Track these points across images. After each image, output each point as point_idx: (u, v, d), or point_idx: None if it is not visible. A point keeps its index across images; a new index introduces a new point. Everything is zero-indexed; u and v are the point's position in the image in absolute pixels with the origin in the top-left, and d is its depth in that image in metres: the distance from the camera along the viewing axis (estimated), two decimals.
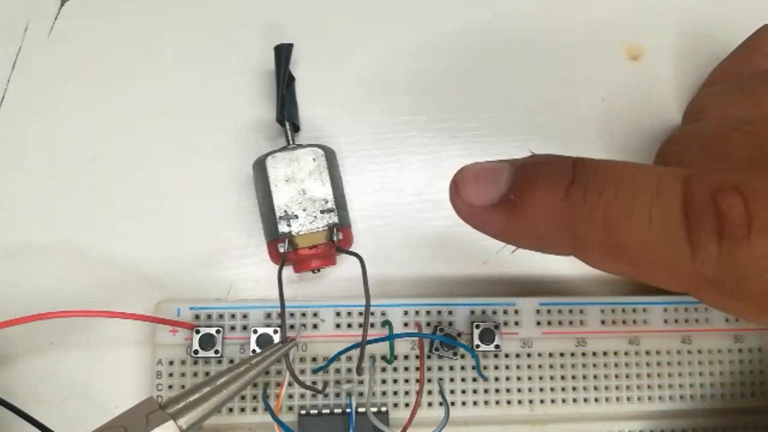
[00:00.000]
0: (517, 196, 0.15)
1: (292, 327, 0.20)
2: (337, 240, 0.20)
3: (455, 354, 0.20)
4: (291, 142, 0.21)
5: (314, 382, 0.20)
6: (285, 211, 0.20)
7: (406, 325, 0.21)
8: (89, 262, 0.22)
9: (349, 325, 0.20)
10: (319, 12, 0.24)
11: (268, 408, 0.19)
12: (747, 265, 0.12)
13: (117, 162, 0.22)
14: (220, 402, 0.16)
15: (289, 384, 0.20)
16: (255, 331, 0.20)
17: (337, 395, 0.20)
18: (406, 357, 0.20)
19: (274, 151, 0.21)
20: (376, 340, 0.20)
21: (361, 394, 0.20)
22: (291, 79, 0.23)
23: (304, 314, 0.20)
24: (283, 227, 0.20)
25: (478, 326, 0.20)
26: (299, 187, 0.20)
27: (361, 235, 0.22)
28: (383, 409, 0.20)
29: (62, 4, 0.23)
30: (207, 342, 0.20)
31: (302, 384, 0.19)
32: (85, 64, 0.23)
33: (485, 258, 0.23)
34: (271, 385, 0.20)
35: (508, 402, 0.21)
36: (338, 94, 0.23)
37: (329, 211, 0.20)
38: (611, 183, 0.14)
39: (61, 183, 0.22)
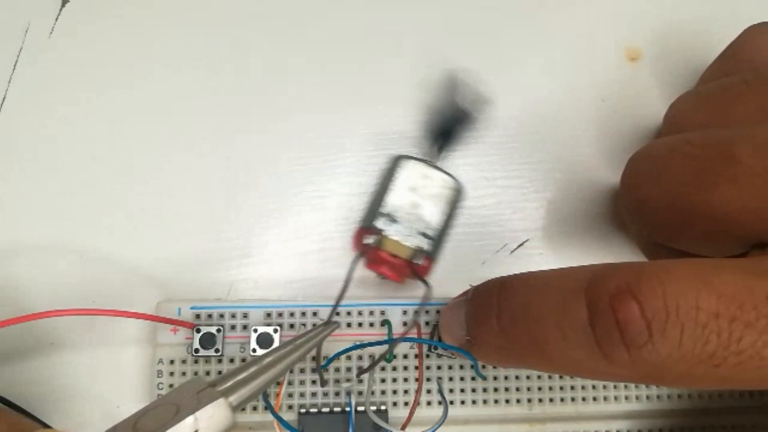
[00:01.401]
0: (471, 336, 0.17)
1: (292, 326, 0.20)
2: (416, 264, 0.20)
3: (454, 353, 0.20)
4: (436, 161, 0.22)
5: (314, 382, 0.20)
6: (390, 212, 0.20)
7: (405, 324, 0.21)
8: (89, 262, 0.22)
9: (349, 325, 0.21)
10: (323, 10, 0.24)
11: (268, 406, 0.19)
12: (658, 363, 0.13)
13: (117, 162, 0.22)
14: (268, 381, 0.16)
15: (289, 383, 0.20)
16: (255, 330, 0.20)
17: (337, 394, 0.20)
18: (405, 356, 0.21)
19: (417, 158, 0.21)
20: (374, 344, 0.20)
21: (360, 392, 0.20)
22: (467, 116, 0.23)
23: (304, 314, 0.21)
24: (379, 223, 0.20)
25: None
26: (416, 201, 0.20)
27: None
28: (383, 407, 0.20)
29: (63, 5, 0.23)
30: (207, 341, 0.20)
31: (320, 372, 0.19)
32: (86, 64, 0.23)
33: (484, 258, 0.23)
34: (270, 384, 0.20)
35: (507, 401, 0.21)
36: (338, 94, 0.23)
37: (427, 237, 0.20)
38: (528, 307, 0.15)
39: (61, 183, 0.22)
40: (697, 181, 0.15)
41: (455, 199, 0.21)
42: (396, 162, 0.21)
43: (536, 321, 0.15)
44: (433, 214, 0.21)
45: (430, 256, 0.20)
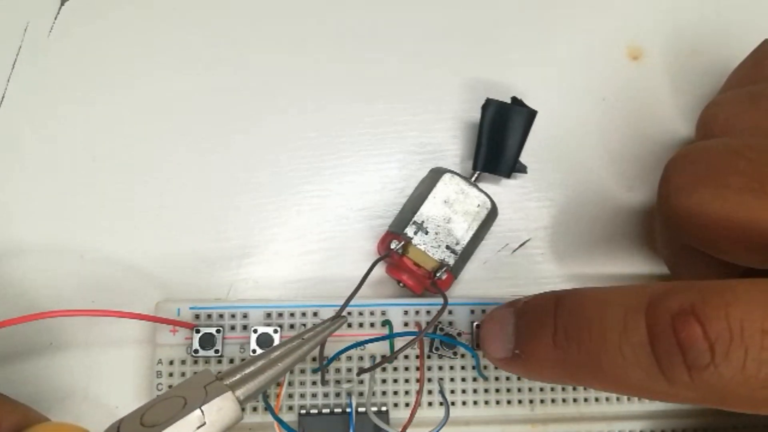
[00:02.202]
0: (521, 351, 0.17)
1: (292, 327, 0.20)
2: (437, 278, 0.20)
3: (455, 354, 0.20)
4: (474, 180, 0.22)
5: (314, 382, 0.20)
6: (422, 221, 0.20)
7: (406, 324, 0.21)
8: (89, 262, 0.22)
9: (349, 325, 0.20)
10: (323, 10, 0.24)
11: (268, 407, 0.19)
12: (721, 386, 0.13)
13: (117, 162, 0.22)
14: (275, 375, 0.16)
15: (289, 383, 0.20)
16: (255, 331, 0.20)
17: (337, 395, 0.20)
18: (406, 357, 0.20)
19: (456, 173, 0.21)
20: (376, 339, 0.20)
21: (361, 393, 0.20)
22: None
23: (304, 314, 0.20)
24: (409, 231, 0.20)
25: (478, 326, 0.20)
26: (448, 215, 0.21)
27: (362, 234, 0.22)
28: (383, 408, 0.20)
29: (62, 4, 0.23)
30: (207, 341, 0.20)
31: (322, 370, 0.19)
32: (85, 64, 0.23)
33: (485, 257, 0.23)
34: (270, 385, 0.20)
35: (508, 402, 0.21)
36: (338, 94, 0.23)
37: (453, 252, 0.20)
38: (586, 324, 0.15)
39: (61, 183, 0.22)
40: (760, 186, 0.15)
41: (487, 219, 0.21)
42: (434, 173, 0.21)
43: (594, 338, 0.15)
44: (463, 231, 0.21)
45: (453, 271, 0.20)
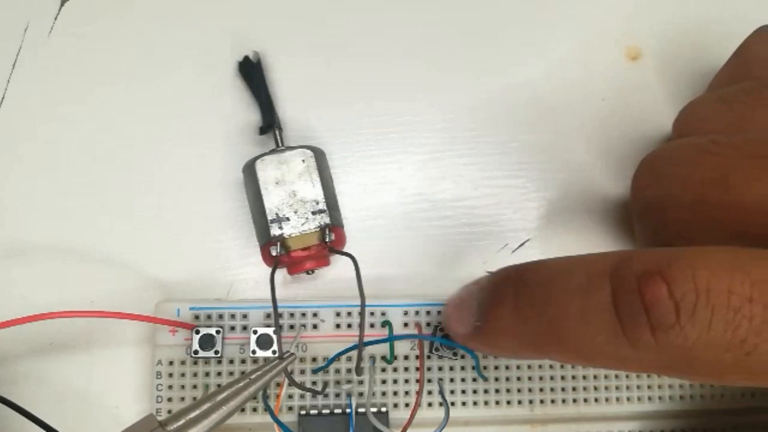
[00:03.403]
0: (483, 323, 0.16)
1: (292, 327, 0.20)
2: (329, 241, 0.20)
3: (455, 354, 0.20)
4: (280, 144, 0.21)
5: (314, 383, 0.20)
6: (276, 214, 0.20)
7: (406, 325, 0.21)
8: (89, 262, 0.22)
9: (349, 326, 0.21)
10: (320, 12, 0.24)
11: (267, 408, 0.19)
12: (686, 348, 0.13)
13: (117, 162, 0.22)
14: (220, 419, 0.16)
15: (289, 385, 0.20)
16: (255, 332, 0.20)
17: (337, 395, 0.20)
18: (406, 357, 0.21)
19: (263, 154, 0.21)
20: (375, 342, 0.20)
21: (361, 394, 0.20)
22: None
23: (303, 314, 0.20)
24: (275, 230, 0.20)
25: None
26: (290, 189, 0.20)
27: (361, 235, 0.22)
28: (383, 409, 0.20)
29: (62, 5, 0.23)
30: (207, 342, 0.20)
31: (302, 387, 0.19)
32: (85, 64, 0.23)
33: (485, 258, 0.23)
34: (270, 386, 0.20)
35: (508, 402, 0.21)
36: (338, 95, 0.23)
37: (321, 212, 0.20)
38: (550, 290, 0.15)
39: (61, 183, 0.22)
40: (729, 179, 0.15)
41: (319, 163, 0.21)
42: (248, 171, 0.21)
43: (557, 303, 0.14)
44: (310, 190, 0.20)
45: (336, 224, 0.20)
